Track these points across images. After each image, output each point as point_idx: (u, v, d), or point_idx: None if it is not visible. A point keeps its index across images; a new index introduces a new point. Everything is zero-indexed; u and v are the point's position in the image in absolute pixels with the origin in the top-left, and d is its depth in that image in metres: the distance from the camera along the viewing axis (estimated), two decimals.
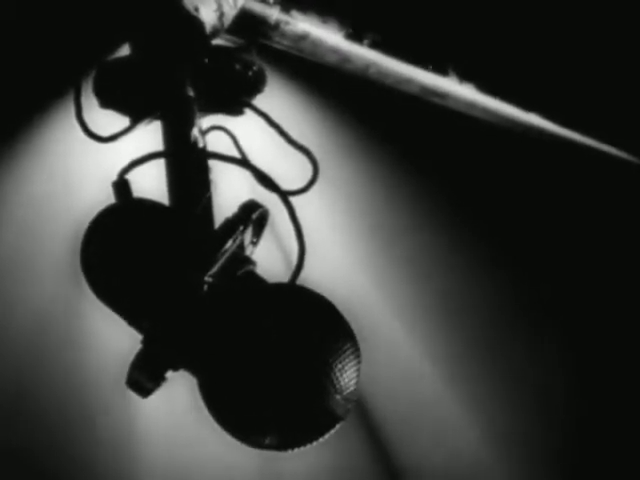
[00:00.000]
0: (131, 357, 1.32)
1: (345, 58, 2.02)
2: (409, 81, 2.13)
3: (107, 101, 1.63)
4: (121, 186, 1.43)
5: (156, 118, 1.55)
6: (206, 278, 1.31)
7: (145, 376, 1.31)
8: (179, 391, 1.39)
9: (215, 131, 1.65)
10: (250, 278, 1.40)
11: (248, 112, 1.70)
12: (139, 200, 1.42)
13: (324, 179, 1.60)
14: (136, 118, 1.59)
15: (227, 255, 1.35)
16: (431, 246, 2.86)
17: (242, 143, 1.65)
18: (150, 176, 1.46)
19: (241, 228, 1.39)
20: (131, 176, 1.44)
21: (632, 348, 2.98)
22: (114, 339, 2.16)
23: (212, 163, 1.49)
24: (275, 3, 1.86)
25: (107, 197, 1.42)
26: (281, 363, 1.27)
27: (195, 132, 1.50)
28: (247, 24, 1.82)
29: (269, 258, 1.49)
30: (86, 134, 1.60)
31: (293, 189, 1.53)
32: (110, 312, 1.38)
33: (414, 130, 2.66)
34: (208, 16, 1.68)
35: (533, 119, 2.36)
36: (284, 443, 1.30)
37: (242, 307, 1.33)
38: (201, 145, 1.50)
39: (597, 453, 3.00)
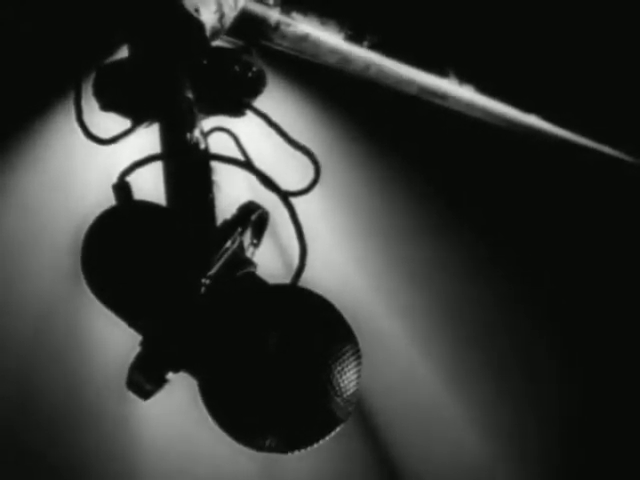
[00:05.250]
0: (131, 359, 1.32)
1: (345, 59, 2.02)
2: (409, 82, 2.13)
3: (107, 103, 1.63)
4: (121, 188, 1.43)
5: (156, 120, 1.55)
6: (204, 279, 1.31)
7: (145, 378, 1.31)
8: (179, 392, 1.39)
9: (218, 132, 1.65)
10: (250, 279, 1.40)
11: (249, 113, 1.70)
12: (139, 202, 1.42)
13: (324, 180, 1.60)
14: (136, 120, 1.59)
15: (226, 257, 1.34)
16: (431, 247, 2.86)
17: (244, 144, 1.65)
18: (151, 178, 1.46)
19: (240, 229, 1.39)
20: (132, 178, 1.44)
21: (632, 348, 2.98)
22: (114, 340, 2.16)
23: (215, 164, 1.49)
24: (275, 5, 1.86)
25: (107, 199, 1.42)
26: (281, 365, 1.27)
27: (196, 133, 1.49)
28: (247, 25, 1.82)
29: (270, 259, 1.49)
30: (86, 136, 1.61)
31: (294, 190, 1.53)
32: (110, 314, 1.38)
33: (414, 131, 2.66)
34: (208, 17, 1.68)
35: (533, 120, 2.36)
36: (284, 445, 1.29)
37: (242, 308, 1.32)
38: (203, 146, 1.50)
39: (597, 453, 3.01)
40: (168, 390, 1.33)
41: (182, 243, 1.36)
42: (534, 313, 2.97)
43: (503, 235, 2.86)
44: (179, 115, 1.52)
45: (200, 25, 1.65)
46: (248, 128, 1.69)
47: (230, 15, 1.74)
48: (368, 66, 2.06)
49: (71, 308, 2.59)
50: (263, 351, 1.28)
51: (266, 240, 1.48)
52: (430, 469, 3.02)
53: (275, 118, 1.68)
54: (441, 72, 2.16)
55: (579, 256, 2.93)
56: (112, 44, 1.68)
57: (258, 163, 1.56)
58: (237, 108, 1.71)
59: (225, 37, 1.79)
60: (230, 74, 1.70)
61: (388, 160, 2.72)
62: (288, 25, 1.90)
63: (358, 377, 1.31)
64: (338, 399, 1.28)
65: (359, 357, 1.32)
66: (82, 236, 1.39)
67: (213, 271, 1.32)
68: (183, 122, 1.51)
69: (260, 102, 1.73)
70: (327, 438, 1.30)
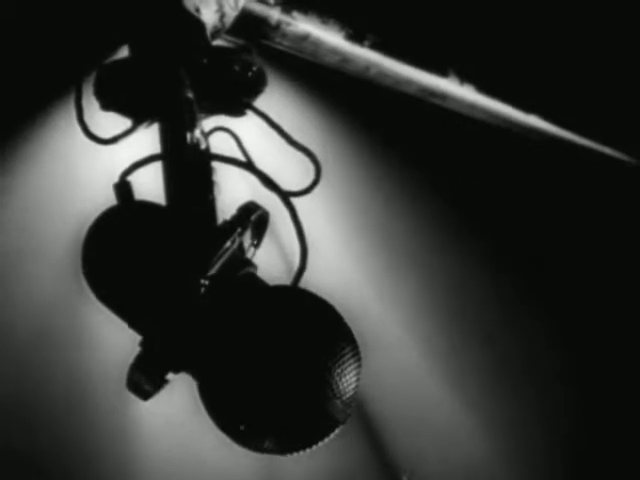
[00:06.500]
0: (131, 359, 1.31)
1: (345, 59, 2.02)
2: (409, 82, 2.13)
3: (108, 103, 1.63)
4: (122, 188, 1.43)
5: (157, 120, 1.54)
6: (204, 280, 1.31)
7: (145, 378, 1.30)
8: (179, 393, 1.39)
9: (219, 132, 1.65)
10: (250, 280, 1.40)
11: (250, 113, 1.70)
12: (140, 202, 1.42)
13: (325, 180, 1.60)
14: (137, 120, 1.59)
15: (226, 257, 1.34)
16: (432, 247, 2.86)
17: (245, 144, 1.65)
18: (152, 178, 1.45)
19: (239, 230, 1.39)
20: (133, 178, 1.44)
21: (632, 348, 2.98)
22: (115, 341, 2.16)
23: (215, 165, 1.49)
24: (276, 4, 1.86)
25: (108, 199, 1.42)
26: (280, 366, 1.27)
27: (197, 133, 1.49)
28: (248, 25, 1.82)
29: (271, 260, 1.49)
30: (87, 136, 1.61)
31: (295, 190, 1.53)
32: (111, 314, 1.38)
33: (414, 131, 2.66)
34: (209, 17, 1.67)
35: (533, 120, 2.36)
36: (283, 447, 1.29)
37: (242, 309, 1.32)
38: (203, 146, 1.50)
39: (598, 452, 3.01)
40: (168, 391, 1.33)
41: (182, 243, 1.36)
42: (536, 313, 2.97)
43: (504, 235, 2.86)
44: (179, 115, 1.52)
45: (201, 24, 1.65)
46: (248, 128, 1.69)
47: (231, 14, 1.74)
48: (368, 66, 2.05)
49: (72, 308, 2.59)
50: (262, 352, 1.28)
51: (266, 241, 1.48)
52: (432, 470, 3.02)
53: (275, 118, 1.68)
54: (441, 72, 2.16)
55: (580, 256, 2.93)
56: (113, 43, 1.68)
57: (259, 163, 1.56)
58: (237, 108, 1.71)
59: (226, 36, 1.78)
60: (230, 74, 1.70)
61: (389, 160, 2.72)
62: (288, 24, 1.89)
63: (358, 379, 1.30)
64: (337, 401, 1.27)
65: (359, 359, 1.31)
66: (83, 236, 1.39)
67: (213, 272, 1.32)
68: (183, 122, 1.50)
69: (260, 102, 1.72)
70: (326, 440, 1.30)
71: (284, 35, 1.91)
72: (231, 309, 1.32)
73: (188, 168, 1.48)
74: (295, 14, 1.90)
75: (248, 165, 1.56)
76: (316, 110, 2.52)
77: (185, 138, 1.48)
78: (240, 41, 1.83)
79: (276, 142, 1.66)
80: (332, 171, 1.69)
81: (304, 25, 1.92)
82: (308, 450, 1.29)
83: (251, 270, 1.41)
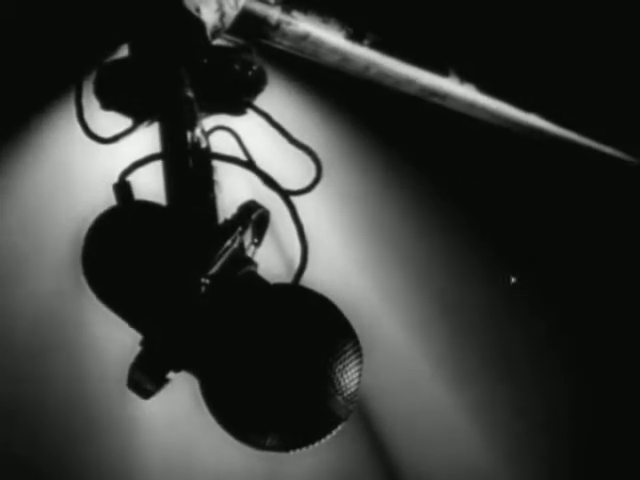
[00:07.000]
0: (132, 358, 1.31)
1: (345, 58, 2.02)
2: (409, 82, 2.13)
3: (108, 102, 1.63)
4: (122, 188, 1.43)
5: (157, 119, 1.54)
6: (205, 279, 1.31)
7: (145, 377, 1.30)
8: (180, 391, 1.39)
9: (220, 131, 1.65)
10: (251, 279, 1.40)
11: (250, 112, 1.70)
12: (140, 202, 1.42)
13: (325, 179, 1.60)
14: (137, 119, 1.59)
15: (227, 256, 1.34)
16: (432, 246, 2.86)
17: (246, 143, 1.65)
18: (152, 177, 1.45)
19: (240, 229, 1.39)
20: (133, 178, 1.44)
21: (633, 347, 2.98)
22: (115, 340, 2.16)
23: (216, 163, 1.49)
24: (276, 3, 1.86)
25: (108, 199, 1.42)
26: (282, 364, 1.27)
27: (197, 132, 1.49)
28: (248, 24, 1.82)
29: (271, 259, 1.49)
30: (87, 135, 1.61)
31: (296, 189, 1.54)
32: (111, 313, 1.38)
33: (414, 130, 2.66)
34: (209, 16, 1.68)
35: (533, 120, 2.36)
36: (285, 444, 1.30)
37: (243, 307, 1.32)
38: (204, 145, 1.50)
39: (601, 456, 3.00)
40: (169, 389, 1.33)
41: (182, 243, 1.36)
42: (537, 312, 2.97)
43: (504, 234, 2.86)
44: (180, 114, 1.52)
45: (201, 24, 1.65)
46: (249, 127, 1.69)
47: (231, 14, 1.74)
48: (368, 65, 2.06)
49: (72, 308, 2.59)
50: (264, 350, 1.28)
51: (267, 239, 1.48)
52: (432, 469, 3.02)
53: (276, 117, 1.68)
54: (442, 71, 2.16)
55: (581, 255, 2.93)
56: (113, 43, 1.68)
57: (259, 162, 1.56)
58: (238, 107, 1.71)
59: (226, 36, 1.78)
60: (231, 73, 1.70)
61: (389, 159, 2.73)
62: (289, 24, 1.90)
63: (359, 376, 1.31)
64: (339, 398, 1.28)
65: (360, 356, 1.32)
66: (83, 236, 1.39)
67: (213, 270, 1.32)
68: (184, 121, 1.51)
69: (261, 101, 1.73)
70: (328, 437, 1.30)
71: (284, 34, 1.91)
72: (232, 307, 1.32)
73: (188, 167, 1.48)
74: (295, 13, 1.90)
75: (249, 164, 1.56)
76: (316, 109, 2.52)
77: (185, 137, 1.49)
78: (240, 40, 1.83)
79: (277, 141, 1.66)
80: (332, 170, 1.69)
81: (304, 24, 1.92)
82: (310, 447, 1.29)
83: (252, 269, 1.41)
